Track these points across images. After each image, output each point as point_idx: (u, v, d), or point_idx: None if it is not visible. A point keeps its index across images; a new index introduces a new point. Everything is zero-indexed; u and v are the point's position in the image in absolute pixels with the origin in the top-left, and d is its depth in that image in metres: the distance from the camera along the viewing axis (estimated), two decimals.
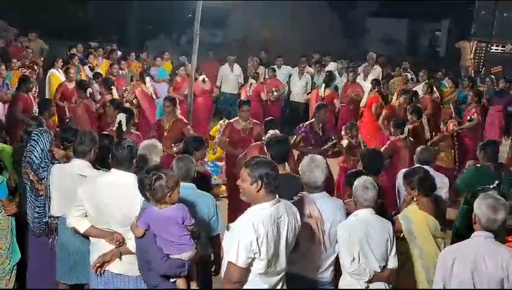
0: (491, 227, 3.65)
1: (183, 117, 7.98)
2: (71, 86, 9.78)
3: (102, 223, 4.14)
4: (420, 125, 8.54)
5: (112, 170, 4.20)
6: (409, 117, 8.66)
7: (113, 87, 9.83)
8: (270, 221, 3.47)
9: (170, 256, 3.74)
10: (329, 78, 11.60)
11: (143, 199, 3.88)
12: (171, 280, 3.82)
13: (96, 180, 4.22)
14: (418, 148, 6.16)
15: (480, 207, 3.67)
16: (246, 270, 3.46)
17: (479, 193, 5.07)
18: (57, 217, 4.66)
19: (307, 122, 7.87)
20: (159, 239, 3.74)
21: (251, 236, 3.38)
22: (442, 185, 5.69)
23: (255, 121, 7.75)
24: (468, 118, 9.64)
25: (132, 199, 4.00)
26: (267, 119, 7.36)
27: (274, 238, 3.49)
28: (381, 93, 11.18)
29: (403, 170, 5.78)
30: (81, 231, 4.23)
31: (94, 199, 4.10)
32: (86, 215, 4.20)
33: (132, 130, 6.89)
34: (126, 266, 4.13)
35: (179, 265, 3.76)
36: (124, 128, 6.65)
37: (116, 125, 6.66)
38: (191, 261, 3.81)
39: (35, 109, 8.64)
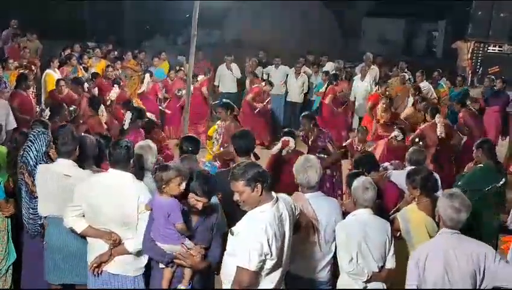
0: (455, 227, 3.72)
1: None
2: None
3: (99, 223, 4.13)
4: (433, 126, 8.45)
5: (109, 169, 4.19)
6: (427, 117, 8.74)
7: (115, 86, 10.14)
8: (275, 221, 3.50)
9: (156, 242, 3.85)
10: (334, 78, 11.70)
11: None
12: (160, 266, 3.93)
13: (93, 180, 4.21)
14: (410, 149, 6.11)
15: (444, 208, 3.73)
16: (257, 274, 3.48)
17: (488, 193, 5.07)
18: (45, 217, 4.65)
19: None
20: (153, 223, 3.88)
21: (261, 239, 3.39)
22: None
23: (232, 118, 7.77)
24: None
25: (129, 199, 4.00)
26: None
27: (280, 236, 3.52)
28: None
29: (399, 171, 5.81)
30: (79, 231, 4.21)
31: (91, 199, 4.09)
32: (84, 216, 4.19)
33: (136, 128, 7.03)
34: (124, 267, 4.13)
35: (159, 253, 3.86)
36: (126, 126, 6.88)
37: (124, 123, 6.98)
38: (173, 255, 3.86)
39: (38, 109, 8.73)
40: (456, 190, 4.02)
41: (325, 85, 11.72)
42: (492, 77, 12.28)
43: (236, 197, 3.61)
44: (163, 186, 3.82)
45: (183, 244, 3.84)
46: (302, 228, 4.10)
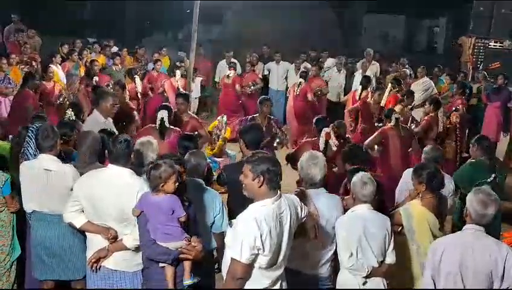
0: (481, 221, 3.70)
1: (130, 102, 8.70)
2: (50, 85, 9.71)
3: (98, 218, 4.13)
4: (435, 118, 8.48)
5: (109, 165, 4.20)
6: (425, 107, 8.79)
7: (136, 76, 10.40)
8: (272, 217, 3.49)
9: (157, 242, 3.80)
10: (367, 81, 10.85)
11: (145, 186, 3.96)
12: (160, 265, 3.87)
13: (92, 176, 4.21)
14: (426, 148, 5.92)
15: (471, 201, 3.73)
16: (250, 267, 3.49)
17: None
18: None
19: (250, 116, 8.07)
20: (149, 224, 3.82)
21: (254, 233, 3.40)
22: (448, 188, 5.45)
23: (191, 114, 7.83)
24: (454, 108, 9.57)
25: (128, 195, 3.99)
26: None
27: (277, 234, 3.52)
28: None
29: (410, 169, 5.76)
30: (78, 227, 4.22)
31: (90, 195, 4.09)
32: (83, 211, 4.19)
33: (171, 126, 6.97)
34: (122, 263, 4.14)
35: (163, 252, 3.80)
36: (167, 124, 6.80)
37: (158, 122, 6.83)
38: (178, 252, 3.83)
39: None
40: (485, 187, 4.03)
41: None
42: (485, 73, 12.27)
43: (241, 177, 3.68)
44: (162, 184, 3.79)
45: (185, 238, 3.85)
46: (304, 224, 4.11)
